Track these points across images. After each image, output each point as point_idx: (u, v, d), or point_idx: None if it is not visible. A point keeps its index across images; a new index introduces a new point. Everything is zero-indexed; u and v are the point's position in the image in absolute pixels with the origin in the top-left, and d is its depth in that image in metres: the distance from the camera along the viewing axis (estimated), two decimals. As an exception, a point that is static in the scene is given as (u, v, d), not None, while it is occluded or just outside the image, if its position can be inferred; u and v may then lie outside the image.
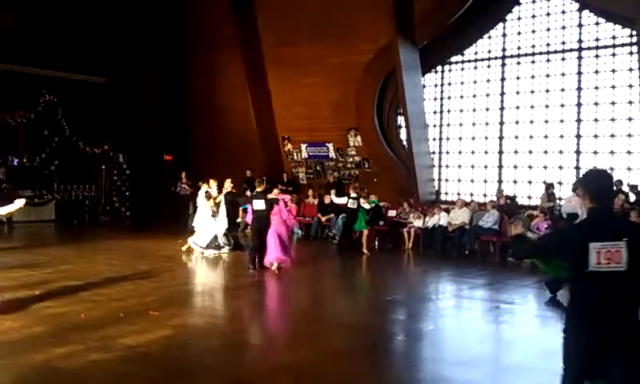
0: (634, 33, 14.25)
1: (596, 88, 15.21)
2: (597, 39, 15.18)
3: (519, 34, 16.52)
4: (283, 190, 15.49)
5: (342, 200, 14.97)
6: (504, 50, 16.79)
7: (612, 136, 14.91)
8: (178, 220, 18.16)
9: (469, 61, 17.52)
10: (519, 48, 16.55)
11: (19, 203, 6.93)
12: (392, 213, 16.87)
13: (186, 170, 19.85)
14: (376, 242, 16.39)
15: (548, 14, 16.00)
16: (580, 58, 15.46)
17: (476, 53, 17.36)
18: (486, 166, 17.25)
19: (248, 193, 14.73)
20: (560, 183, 15.62)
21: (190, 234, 13.82)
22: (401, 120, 18.01)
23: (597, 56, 15.19)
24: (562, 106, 15.77)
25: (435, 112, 18.23)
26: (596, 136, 15.17)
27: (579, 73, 15.46)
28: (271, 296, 10.24)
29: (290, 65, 19.52)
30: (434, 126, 18.22)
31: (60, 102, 20.26)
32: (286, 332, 8.03)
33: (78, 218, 20.04)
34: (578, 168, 15.36)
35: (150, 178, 21.75)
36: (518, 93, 16.60)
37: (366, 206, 14.73)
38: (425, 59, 17.27)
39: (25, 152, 19.94)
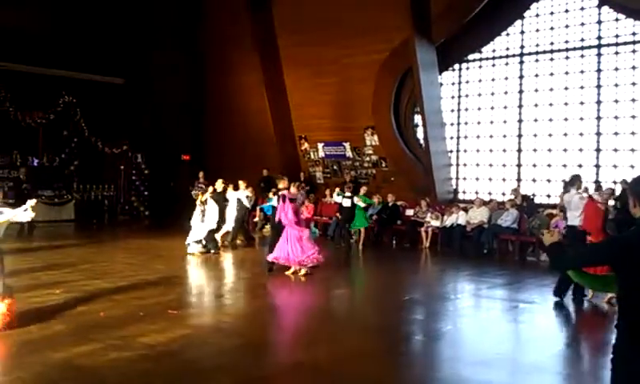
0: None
1: (616, 85, 15.01)
2: (616, 36, 14.99)
3: (537, 31, 16.37)
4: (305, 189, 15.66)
5: (338, 199, 15.28)
6: (522, 47, 16.65)
7: (632, 134, 14.72)
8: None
9: (486, 58, 17.39)
10: (537, 45, 16.40)
11: (30, 203, 6.89)
12: (409, 212, 16.84)
13: (203, 170, 19.94)
14: (393, 242, 16.38)
15: (567, 11, 15.84)
16: (599, 54, 15.28)
17: (494, 50, 17.23)
18: (504, 165, 17.12)
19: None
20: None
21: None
22: (418, 118, 17.94)
23: (616, 53, 15.01)
24: (582, 103, 15.60)
25: (453, 110, 18.13)
26: (616, 134, 14.98)
27: (599, 70, 15.28)
28: (288, 295, 10.25)
29: (306, 64, 19.53)
30: (452, 124, 18.12)
31: (79, 102, 20.48)
32: (303, 331, 8.03)
33: (97, 218, 20.24)
34: (597, 166, 15.19)
35: (168, 178, 21.89)
36: (536, 90, 16.45)
37: (361, 204, 14.89)
38: (442, 57, 17.17)
39: (45, 152, 20.18)
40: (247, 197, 15.04)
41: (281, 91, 20.65)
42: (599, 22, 15.24)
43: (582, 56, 15.58)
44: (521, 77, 16.70)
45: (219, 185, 13.93)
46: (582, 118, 15.58)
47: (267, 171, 19.58)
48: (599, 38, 15.23)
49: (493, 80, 17.28)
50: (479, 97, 17.60)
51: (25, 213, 6.88)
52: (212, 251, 13.24)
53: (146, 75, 21.87)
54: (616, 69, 15.01)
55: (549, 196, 16.10)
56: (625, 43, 14.85)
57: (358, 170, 19.33)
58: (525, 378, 6.16)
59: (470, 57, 17.68)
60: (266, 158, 20.18)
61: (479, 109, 17.62)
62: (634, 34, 14.70)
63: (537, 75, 16.44)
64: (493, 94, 17.30)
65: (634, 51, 14.73)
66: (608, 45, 15.10)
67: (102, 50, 20.50)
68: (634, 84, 14.72)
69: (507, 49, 16.94)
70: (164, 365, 6.00)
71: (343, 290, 10.84)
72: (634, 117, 14.71)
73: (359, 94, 18.39)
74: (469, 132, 17.89)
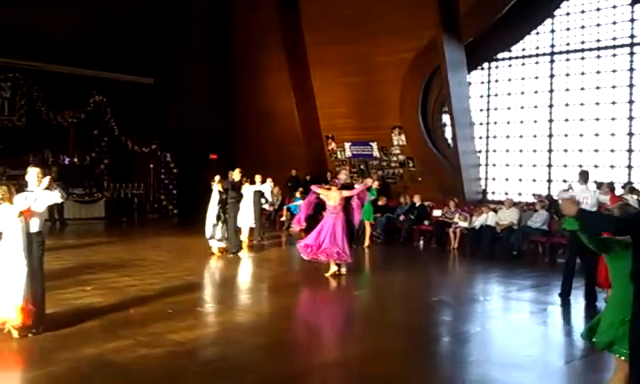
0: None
1: (648, 84, 14.77)
2: (650, 34, 14.74)
3: (568, 29, 16.15)
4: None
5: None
6: (552, 45, 16.43)
7: (666, 134, 14.46)
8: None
9: (516, 57, 17.20)
10: (568, 44, 16.17)
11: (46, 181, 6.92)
12: (437, 212, 16.69)
13: (231, 170, 20.01)
14: (421, 242, 16.28)
15: (598, 9, 15.59)
16: (632, 53, 15.01)
17: (524, 49, 17.03)
18: (534, 165, 16.91)
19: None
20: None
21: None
22: (446, 118, 17.82)
23: (650, 51, 14.75)
24: (614, 103, 15.34)
25: (482, 110, 17.97)
26: (649, 134, 14.73)
27: (631, 69, 15.01)
28: (317, 294, 10.24)
29: (333, 63, 19.53)
30: (481, 124, 17.96)
31: (109, 102, 20.75)
32: (332, 330, 8.03)
33: (127, 216, 20.50)
34: (630, 167, 14.93)
35: (197, 177, 22.06)
36: (567, 90, 16.22)
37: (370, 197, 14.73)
38: (471, 56, 17.02)
39: (75, 151, 20.50)
40: (271, 192, 14.77)
41: (308, 91, 20.70)
42: (632, 21, 14.97)
43: (614, 55, 15.33)
44: (551, 76, 16.49)
45: (237, 174, 13.45)
46: (613, 118, 15.32)
47: (295, 171, 19.60)
48: (632, 36, 14.97)
49: (523, 79, 17.09)
50: (509, 96, 17.42)
51: (54, 194, 7.04)
52: (234, 251, 12.85)
53: (175, 75, 22.09)
54: (649, 68, 14.74)
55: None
56: (659, 42, 14.58)
57: (385, 170, 19.27)
58: (555, 381, 6.08)
59: (500, 56, 17.50)
60: (292, 158, 20.23)
61: (509, 108, 17.44)
62: (668, 32, 14.43)
63: (567, 74, 16.22)
64: (523, 93, 17.11)
65: (668, 50, 14.45)
66: (641, 43, 14.83)
67: (132, 50, 20.75)
68: (667, 83, 14.44)
69: (537, 48, 16.75)
70: (192, 362, 6.06)
71: (370, 290, 10.81)
72: (668, 116, 14.43)
73: (386, 93, 18.32)
74: (498, 132, 17.72)
